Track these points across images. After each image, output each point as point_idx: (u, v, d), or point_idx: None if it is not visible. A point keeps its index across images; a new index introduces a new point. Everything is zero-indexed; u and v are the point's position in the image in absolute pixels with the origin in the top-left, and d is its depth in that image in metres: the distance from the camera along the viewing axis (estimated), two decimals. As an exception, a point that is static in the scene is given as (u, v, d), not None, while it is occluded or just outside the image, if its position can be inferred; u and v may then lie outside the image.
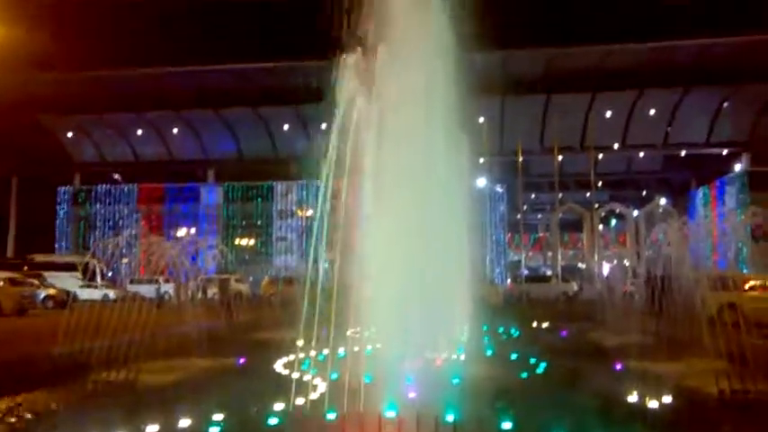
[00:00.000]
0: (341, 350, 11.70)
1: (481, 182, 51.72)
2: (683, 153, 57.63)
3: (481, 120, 46.83)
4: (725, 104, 51.40)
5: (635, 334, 17.25)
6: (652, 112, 52.17)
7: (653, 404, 8.82)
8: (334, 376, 9.97)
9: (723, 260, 45.65)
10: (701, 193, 59.35)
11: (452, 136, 15.69)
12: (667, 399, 9.01)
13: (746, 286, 19.76)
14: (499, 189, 55.67)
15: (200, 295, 30.13)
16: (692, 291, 15.20)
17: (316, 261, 11.28)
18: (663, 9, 42.18)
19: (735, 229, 46.08)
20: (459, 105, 14.98)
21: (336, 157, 10.63)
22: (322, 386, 9.61)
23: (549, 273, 47.78)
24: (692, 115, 51.88)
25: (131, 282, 34.34)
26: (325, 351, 12.08)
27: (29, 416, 8.17)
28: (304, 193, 54.02)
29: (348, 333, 12.23)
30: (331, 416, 7.31)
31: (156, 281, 32.80)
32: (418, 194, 12.48)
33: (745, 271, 34.75)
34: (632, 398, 9.13)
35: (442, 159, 13.86)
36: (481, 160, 47.19)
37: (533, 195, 64.07)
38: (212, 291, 32.82)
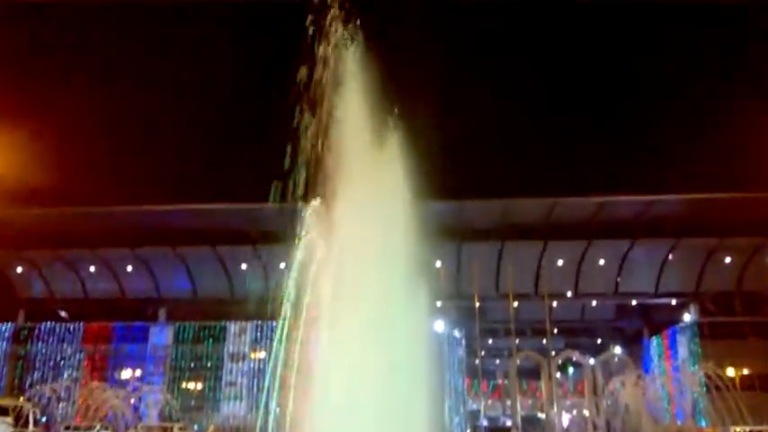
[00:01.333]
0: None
1: (439, 326, 51.54)
2: (633, 302, 59.07)
3: (438, 264, 47.71)
4: (670, 256, 53.74)
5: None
6: (601, 262, 54.08)
7: None
8: None
9: (680, 412, 45.39)
10: (654, 342, 60.13)
11: (409, 281, 15.90)
12: None
13: None
14: (457, 334, 55.42)
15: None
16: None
17: (266, 407, 10.81)
18: (608, 167, 45.43)
19: (689, 381, 46.39)
20: (417, 251, 15.35)
21: (294, 299, 10.60)
22: None
23: (508, 423, 46.36)
24: (640, 266, 53.88)
25: (66, 429, 31.91)
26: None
27: None
28: (258, 334, 52.68)
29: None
30: None
31: (93, 428, 30.55)
32: (375, 340, 12.37)
33: (702, 424, 34.53)
34: None
35: (399, 304, 13.90)
36: (438, 304, 47.41)
37: (490, 341, 63.81)
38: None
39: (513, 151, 51.79)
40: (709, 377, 19.82)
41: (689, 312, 56.99)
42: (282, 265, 11.61)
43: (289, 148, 12.45)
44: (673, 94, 52.20)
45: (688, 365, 49.04)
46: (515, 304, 50.67)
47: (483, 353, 62.44)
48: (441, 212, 39.49)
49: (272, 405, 11.48)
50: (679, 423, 35.81)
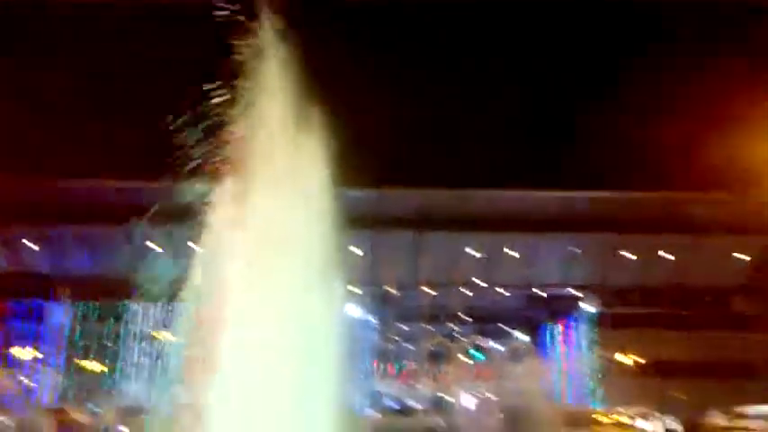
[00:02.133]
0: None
1: (354, 311, 51.95)
2: (540, 293, 62.00)
3: (355, 251, 48.02)
4: (576, 250, 56.60)
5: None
6: (514, 253, 56.27)
7: None
8: None
9: (576, 395, 48.11)
10: (556, 329, 63.54)
11: (324, 267, 15.95)
12: None
13: (596, 421, 20.79)
14: (372, 319, 56.10)
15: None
16: (548, 425, 15.82)
17: (169, 389, 10.64)
18: (525, 161, 47.24)
19: (584, 365, 49.31)
20: (333, 238, 15.40)
21: (203, 281, 10.43)
22: None
23: (416, 405, 47.52)
24: (548, 257, 56.46)
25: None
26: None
27: None
28: (164, 315, 51.11)
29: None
30: None
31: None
32: (285, 325, 12.36)
33: (593, 406, 36.82)
34: None
35: (312, 290, 13.91)
36: (355, 290, 47.80)
37: (405, 327, 65.10)
38: (48, 424, 29.29)
39: (433, 142, 52.78)
40: (604, 363, 21.13)
41: (590, 303, 60.42)
42: (192, 246, 11.39)
43: (204, 128, 12.16)
44: (590, 90, 54.56)
45: (586, 352, 51.96)
46: (430, 292, 51.82)
47: (396, 338, 63.56)
48: (358, 200, 39.68)
49: (177, 388, 11.29)
50: (574, 405, 38.06)
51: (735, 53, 45.43)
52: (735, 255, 55.25)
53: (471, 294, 59.07)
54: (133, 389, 50.04)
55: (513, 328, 64.36)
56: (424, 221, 51.53)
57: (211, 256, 10.42)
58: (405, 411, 45.12)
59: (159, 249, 51.34)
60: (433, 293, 55.54)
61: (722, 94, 46.15)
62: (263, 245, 12.14)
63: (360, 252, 49.18)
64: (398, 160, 43.87)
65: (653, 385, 45.01)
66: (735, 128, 43.92)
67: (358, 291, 49.42)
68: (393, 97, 45.20)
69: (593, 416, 22.43)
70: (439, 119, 52.99)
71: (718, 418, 38.05)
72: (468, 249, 54.94)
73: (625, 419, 21.96)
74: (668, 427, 30.31)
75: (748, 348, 55.35)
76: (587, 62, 54.57)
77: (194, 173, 11.46)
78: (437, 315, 58.57)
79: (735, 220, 47.15)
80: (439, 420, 40.47)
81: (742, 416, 34.84)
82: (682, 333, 53.89)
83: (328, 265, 16.34)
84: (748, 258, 55.32)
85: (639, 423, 23.88)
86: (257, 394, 12.00)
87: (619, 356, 35.10)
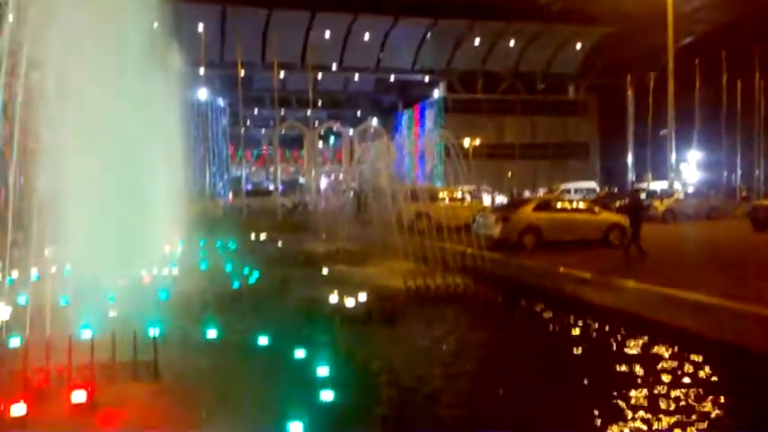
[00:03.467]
0: (34, 272, 10.54)
1: (202, 94, 49.63)
2: (392, 78, 62.45)
3: (200, 28, 44.44)
4: (428, 35, 56.50)
5: (343, 242, 18.81)
6: (366, 36, 55.00)
7: (350, 302, 9.79)
8: (23, 300, 9.01)
9: (422, 176, 51.64)
10: (406, 114, 65.62)
11: (160, 45, 14.64)
12: (362, 296, 10.07)
13: (436, 197, 22.57)
14: (221, 103, 54.11)
15: None
16: (393, 202, 16.91)
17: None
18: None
19: (430, 148, 52.10)
20: (171, 14, 13.95)
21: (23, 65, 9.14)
22: (5, 311, 8.61)
23: (270, 187, 48.60)
24: (400, 43, 56.05)
25: None
26: (14, 274, 10.83)
27: None
28: None
29: (45, 253, 11.09)
30: (14, 341, 6.61)
31: None
32: (114, 107, 11.52)
33: (438, 185, 39.92)
34: (333, 298, 10.00)
35: (145, 70, 12.87)
36: (201, 71, 45.15)
37: (256, 111, 63.71)
38: None
39: None
40: (447, 146, 22.48)
41: (438, 89, 62.24)
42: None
43: None
44: None
45: (432, 136, 54.78)
46: (281, 74, 50.21)
47: (248, 122, 62.44)
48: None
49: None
50: (419, 183, 40.99)
51: None
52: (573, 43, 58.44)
53: (325, 78, 58.40)
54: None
55: (366, 113, 65.55)
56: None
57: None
58: (261, 192, 46.14)
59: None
60: (286, 76, 54.11)
61: None
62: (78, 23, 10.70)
63: (207, 30, 45.67)
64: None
65: (491, 166, 49.26)
66: None
67: (206, 72, 46.82)
68: None
69: (435, 192, 24.30)
70: None
71: (542, 193, 43.07)
72: (322, 30, 52.96)
73: (460, 195, 24.07)
74: (496, 200, 34.00)
75: (579, 132, 61.53)
76: None
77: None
78: (289, 99, 57.74)
79: (576, 10, 48.96)
80: (292, 200, 42.10)
81: (564, 191, 39.77)
82: (519, 117, 58.20)
83: (164, 44, 15.05)
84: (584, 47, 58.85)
85: (479, 198, 26.60)
86: (100, 180, 11.51)
87: (461, 139, 37.56)
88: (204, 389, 5.84)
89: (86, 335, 6.65)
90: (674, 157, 34.66)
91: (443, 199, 22.50)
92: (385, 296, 10.52)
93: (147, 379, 6.13)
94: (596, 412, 5.52)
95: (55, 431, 4.96)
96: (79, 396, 5.31)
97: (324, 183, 40.67)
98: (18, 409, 4.93)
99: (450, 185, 27.13)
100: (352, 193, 27.12)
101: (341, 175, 37.66)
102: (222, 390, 5.75)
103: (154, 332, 6.90)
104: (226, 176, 54.67)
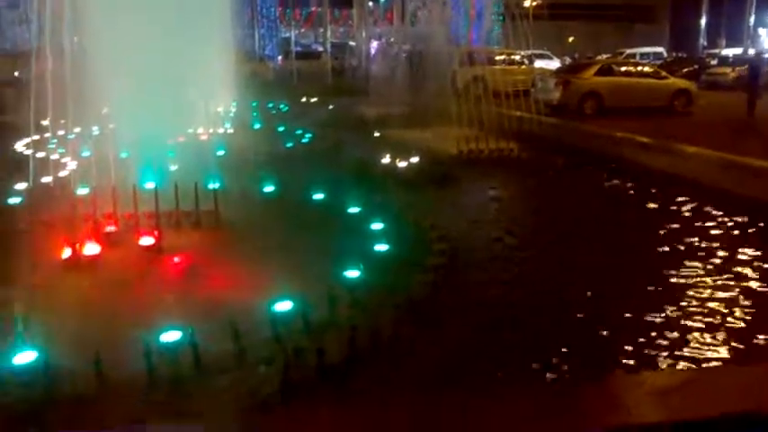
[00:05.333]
0: (94, 128, 10.82)
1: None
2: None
3: None
4: None
5: (394, 106, 18.50)
6: None
7: (402, 163, 9.78)
8: (86, 153, 9.33)
9: (478, 38, 49.43)
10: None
11: None
12: (414, 159, 10.03)
13: (493, 61, 21.70)
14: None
15: None
16: (447, 66, 16.37)
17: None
18: None
19: (488, 8, 49.52)
20: None
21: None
22: (72, 164, 8.96)
23: (320, 49, 47.52)
24: None
25: None
26: (76, 129, 11.14)
27: None
28: None
29: (103, 111, 11.30)
30: (83, 190, 6.90)
31: None
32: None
33: (495, 47, 38.22)
34: (385, 160, 9.99)
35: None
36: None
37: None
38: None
39: None
40: (506, 6, 21.24)
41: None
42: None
43: None
44: None
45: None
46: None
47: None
48: None
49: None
50: (475, 46, 39.34)
51: None
52: None
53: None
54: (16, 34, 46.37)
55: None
56: None
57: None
58: (310, 55, 45.22)
59: None
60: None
61: None
62: None
63: None
64: None
65: (552, 28, 46.62)
66: None
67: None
68: None
69: (492, 56, 23.31)
70: None
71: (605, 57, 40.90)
72: None
73: (519, 58, 23.03)
74: (559, 65, 32.39)
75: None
76: None
77: None
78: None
79: None
80: (342, 63, 41.26)
81: (629, 56, 37.65)
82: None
83: None
84: None
85: (537, 62, 25.25)
86: (154, 41, 11.38)
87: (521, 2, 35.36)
88: (263, 237, 6.05)
89: (150, 185, 6.87)
90: (752, 20, 32.00)
91: (500, 63, 21.65)
92: (437, 159, 10.45)
93: (208, 227, 6.38)
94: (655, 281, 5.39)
95: (125, 270, 5.26)
96: (147, 240, 5.60)
97: (374, 45, 39.48)
98: (91, 249, 5.25)
99: (508, 48, 25.91)
100: (404, 56, 26.32)
101: (392, 37, 36.37)
102: (280, 239, 5.95)
103: (213, 185, 7.09)
104: (275, 38, 53.64)
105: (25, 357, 3.42)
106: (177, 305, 4.19)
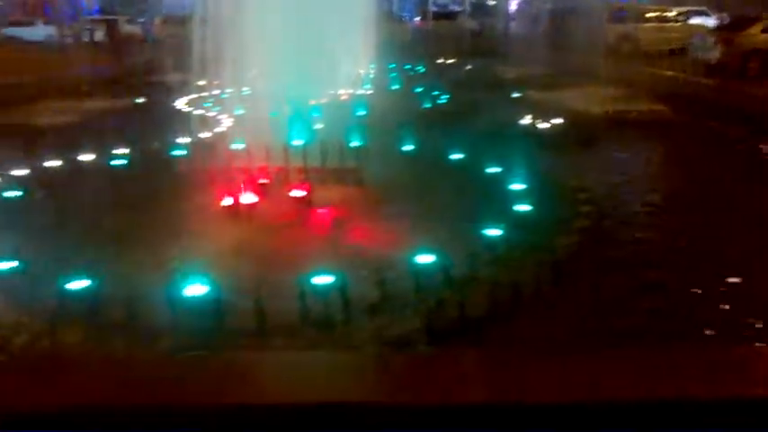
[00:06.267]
0: (244, 89, 11.52)
1: None
2: None
3: None
4: None
5: (536, 66, 17.79)
6: None
7: (543, 125, 9.50)
8: (239, 111, 9.98)
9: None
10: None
11: None
12: (557, 120, 9.69)
13: (644, 18, 20.28)
14: None
15: (86, 38, 27.86)
16: (593, 24, 15.53)
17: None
18: None
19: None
20: None
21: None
22: (227, 121, 9.63)
23: (457, 9, 46.77)
24: None
25: (11, 24, 31.09)
26: (228, 90, 11.91)
27: None
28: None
29: (252, 73, 11.97)
30: (237, 145, 7.41)
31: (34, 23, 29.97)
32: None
33: (646, 3, 35.54)
34: (525, 121, 9.76)
35: None
36: None
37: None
38: (100, 33, 30.24)
39: None
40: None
41: None
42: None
43: None
44: None
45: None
46: None
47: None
48: None
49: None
50: (624, 1, 36.82)
51: None
52: None
53: None
54: None
55: None
56: None
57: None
58: (447, 15, 44.61)
59: None
60: None
61: None
62: None
63: None
64: None
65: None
66: None
67: None
68: None
69: (643, 12, 21.72)
70: None
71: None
72: None
73: (673, 15, 21.26)
74: (717, 23, 29.48)
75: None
76: None
77: None
78: None
79: None
80: (480, 23, 40.32)
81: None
82: None
83: None
84: None
85: (693, 19, 23.06)
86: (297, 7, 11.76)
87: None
88: (404, 194, 6.20)
89: (298, 142, 7.24)
90: None
91: (652, 20, 20.18)
92: (581, 121, 10.02)
93: (353, 183, 6.66)
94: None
95: (279, 218, 5.65)
96: (298, 192, 5.99)
97: (514, 3, 38.15)
98: (249, 198, 5.69)
99: (660, 5, 23.99)
100: (546, 14, 25.27)
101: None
102: (421, 196, 6.07)
103: (356, 143, 7.35)
104: (412, -1, 53.34)
105: (197, 290, 3.81)
106: (327, 253, 4.44)
